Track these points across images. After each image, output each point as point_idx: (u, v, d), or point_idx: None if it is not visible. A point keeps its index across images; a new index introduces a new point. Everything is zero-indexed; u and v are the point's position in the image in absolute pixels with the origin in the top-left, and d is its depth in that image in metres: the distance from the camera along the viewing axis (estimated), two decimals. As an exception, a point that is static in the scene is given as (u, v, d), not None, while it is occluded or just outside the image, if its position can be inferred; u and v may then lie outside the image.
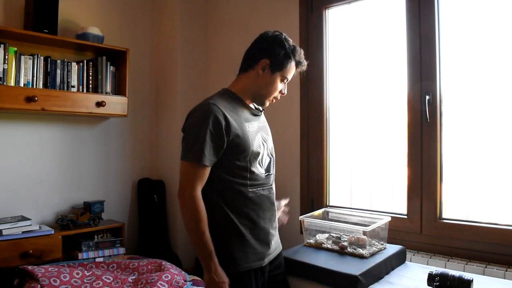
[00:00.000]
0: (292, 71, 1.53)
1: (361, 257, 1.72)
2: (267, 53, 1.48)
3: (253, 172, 1.47)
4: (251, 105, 1.57)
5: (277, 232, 1.60)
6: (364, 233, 1.80)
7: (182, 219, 1.39)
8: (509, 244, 1.82)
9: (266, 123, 1.64)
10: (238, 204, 1.45)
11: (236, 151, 1.42)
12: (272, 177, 1.59)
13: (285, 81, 1.54)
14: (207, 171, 1.40)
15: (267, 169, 1.54)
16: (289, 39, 1.52)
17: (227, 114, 1.40)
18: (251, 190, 1.47)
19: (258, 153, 1.48)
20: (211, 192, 1.43)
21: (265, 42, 1.50)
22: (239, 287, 1.42)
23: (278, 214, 1.70)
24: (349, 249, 1.79)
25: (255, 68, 1.50)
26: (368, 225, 1.84)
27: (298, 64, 1.53)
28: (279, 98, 1.58)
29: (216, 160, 1.40)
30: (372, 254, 1.76)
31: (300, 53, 1.53)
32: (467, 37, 2.05)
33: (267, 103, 1.56)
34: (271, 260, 1.55)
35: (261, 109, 1.63)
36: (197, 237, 1.36)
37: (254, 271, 1.46)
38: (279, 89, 1.53)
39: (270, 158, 1.57)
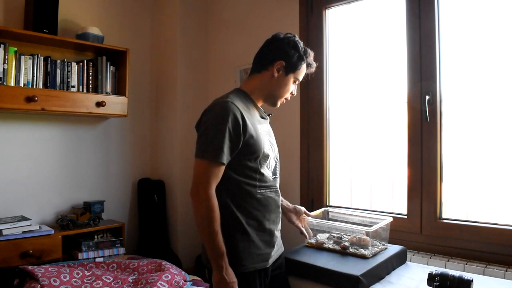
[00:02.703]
0: (303, 72, 1.57)
1: (363, 257, 1.72)
2: (282, 55, 1.50)
3: (262, 174, 1.47)
4: (260, 107, 1.59)
5: (279, 234, 1.61)
6: (367, 233, 1.79)
7: (195, 218, 1.37)
8: (509, 244, 1.83)
9: (271, 128, 1.65)
10: (245, 204, 1.45)
11: (249, 152, 1.42)
12: (278, 180, 1.60)
13: (296, 82, 1.57)
14: (223, 169, 1.39)
15: (274, 172, 1.55)
16: (300, 41, 1.55)
17: (243, 114, 1.40)
18: (259, 191, 1.47)
19: (268, 156, 1.49)
20: (219, 191, 1.42)
21: (279, 44, 1.52)
22: (243, 287, 1.42)
23: (302, 222, 1.82)
24: (351, 250, 1.79)
25: (269, 69, 1.51)
26: (369, 225, 1.83)
27: (308, 65, 1.57)
28: (289, 99, 1.61)
29: (230, 159, 1.40)
30: (374, 255, 1.75)
31: (311, 55, 1.56)
32: (467, 37, 2.05)
33: (279, 104, 1.59)
34: (274, 261, 1.55)
35: (267, 114, 1.63)
36: (210, 236, 1.34)
37: (258, 272, 1.46)
38: (291, 90, 1.57)
39: (276, 162, 1.58)
